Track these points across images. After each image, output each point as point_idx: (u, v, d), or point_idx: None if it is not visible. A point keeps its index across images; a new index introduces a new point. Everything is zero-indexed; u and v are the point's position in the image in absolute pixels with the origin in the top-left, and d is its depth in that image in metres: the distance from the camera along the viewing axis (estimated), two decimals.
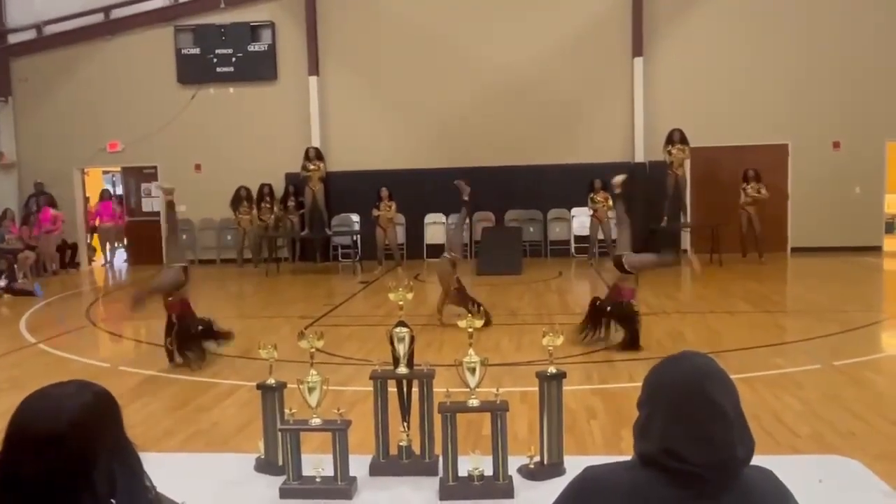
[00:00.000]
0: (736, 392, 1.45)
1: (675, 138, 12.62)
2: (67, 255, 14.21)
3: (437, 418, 2.53)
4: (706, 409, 1.39)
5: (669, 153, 12.66)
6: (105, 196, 14.86)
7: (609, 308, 6.77)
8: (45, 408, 1.42)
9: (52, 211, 13.88)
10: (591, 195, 12.76)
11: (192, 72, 14.49)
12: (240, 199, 13.67)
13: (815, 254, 12.83)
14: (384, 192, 12.86)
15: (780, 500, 1.45)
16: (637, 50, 13.63)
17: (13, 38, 15.06)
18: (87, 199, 16.11)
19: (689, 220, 13.26)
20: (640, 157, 13.70)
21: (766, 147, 13.34)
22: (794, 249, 13.44)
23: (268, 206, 13.71)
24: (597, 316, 6.83)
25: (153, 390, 5.82)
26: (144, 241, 14.56)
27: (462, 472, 2.44)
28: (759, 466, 1.46)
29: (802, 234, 13.41)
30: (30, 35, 14.98)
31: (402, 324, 2.68)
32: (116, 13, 14.69)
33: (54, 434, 1.38)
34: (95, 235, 15.56)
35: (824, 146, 13.36)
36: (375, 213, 12.84)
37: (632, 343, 6.63)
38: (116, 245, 15.23)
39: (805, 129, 13.31)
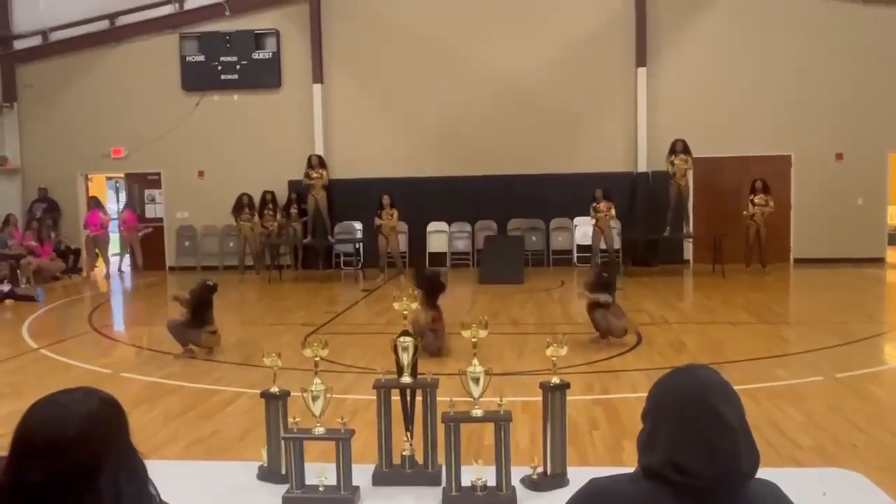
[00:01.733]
0: (741, 405, 1.45)
1: (678, 148, 12.63)
2: (70, 261, 14.21)
3: (441, 428, 2.53)
4: (711, 423, 1.39)
5: (672, 163, 12.66)
6: (93, 204, 14.54)
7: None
8: (53, 414, 1.42)
9: (51, 248, 13.66)
10: (594, 205, 12.75)
11: (197, 79, 14.55)
12: (241, 206, 13.69)
13: (817, 265, 12.82)
14: (386, 199, 12.86)
15: None
16: (640, 60, 13.67)
17: (19, 44, 15.13)
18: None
19: (691, 230, 13.27)
20: (642, 167, 13.72)
21: (769, 158, 13.36)
22: (796, 260, 13.44)
23: (270, 213, 13.72)
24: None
25: (155, 397, 5.81)
26: (148, 246, 14.55)
27: (465, 482, 2.44)
28: (764, 480, 1.46)
29: (805, 245, 13.41)
30: (35, 41, 15.06)
31: (406, 333, 2.68)
32: (122, 20, 14.75)
33: (61, 440, 1.38)
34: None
35: (827, 157, 13.38)
36: (377, 221, 12.85)
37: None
38: (110, 254, 14.73)
39: (808, 140, 13.33)
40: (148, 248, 14.51)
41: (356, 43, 14.30)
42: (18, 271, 12.31)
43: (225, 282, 13.01)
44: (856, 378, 5.89)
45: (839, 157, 13.40)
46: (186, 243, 14.83)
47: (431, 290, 6.75)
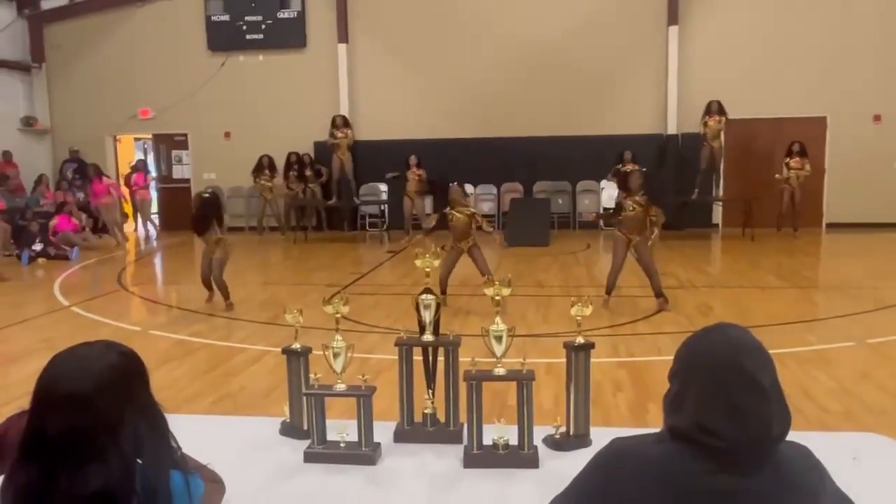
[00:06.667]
0: (773, 365, 1.40)
1: (713, 109, 12.34)
2: (98, 223, 14.35)
3: (463, 387, 2.51)
4: (742, 384, 1.34)
5: (706, 124, 12.38)
6: (140, 166, 14.32)
7: None
8: (73, 367, 1.43)
9: (105, 180, 13.71)
10: (620, 167, 12.55)
11: (222, 39, 14.49)
12: (261, 167, 13.66)
13: (850, 229, 12.56)
14: (413, 160, 12.80)
15: (814, 477, 1.41)
16: (672, 18, 13.31)
17: (46, 5, 15.15)
18: (134, 168, 16.11)
19: (721, 192, 13.03)
20: (672, 129, 13.45)
21: (803, 120, 13.02)
22: (829, 225, 13.17)
23: (296, 174, 13.71)
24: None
25: (183, 354, 5.90)
26: (175, 207, 14.66)
27: (487, 441, 2.43)
28: (795, 442, 1.41)
29: (838, 210, 13.13)
30: (63, 1, 15.06)
31: (428, 291, 2.65)
32: None
33: (81, 394, 1.38)
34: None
35: (864, 119, 13.00)
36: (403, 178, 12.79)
37: None
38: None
39: (844, 102, 12.95)
40: (175, 209, 14.59)
41: (381, 2, 14.10)
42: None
43: (251, 242, 13.13)
44: (888, 344, 5.78)
45: (877, 118, 13.02)
46: None
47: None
